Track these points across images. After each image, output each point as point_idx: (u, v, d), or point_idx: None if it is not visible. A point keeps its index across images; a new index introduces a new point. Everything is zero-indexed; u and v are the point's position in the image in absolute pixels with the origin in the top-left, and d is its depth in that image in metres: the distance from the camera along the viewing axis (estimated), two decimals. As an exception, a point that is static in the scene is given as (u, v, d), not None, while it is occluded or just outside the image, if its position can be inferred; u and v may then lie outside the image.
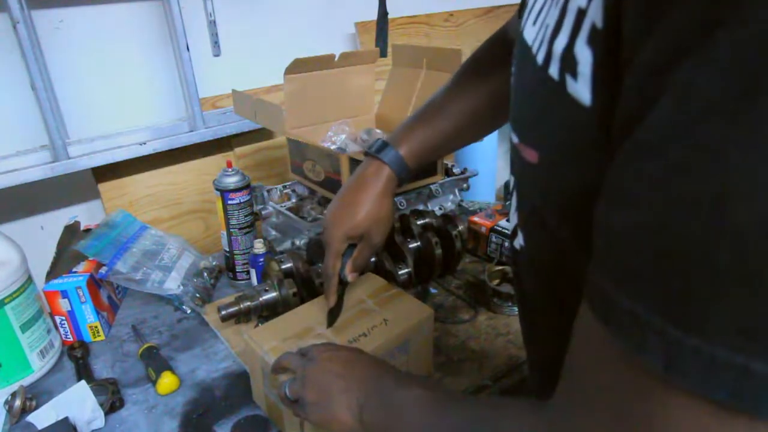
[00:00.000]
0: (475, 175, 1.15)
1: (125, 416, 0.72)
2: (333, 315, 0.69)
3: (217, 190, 0.95)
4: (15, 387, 0.74)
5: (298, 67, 1.00)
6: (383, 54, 1.39)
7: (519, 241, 0.41)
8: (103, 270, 0.88)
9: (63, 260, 0.92)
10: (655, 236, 0.21)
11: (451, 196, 1.13)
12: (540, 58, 0.31)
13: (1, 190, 1.11)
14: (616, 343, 0.23)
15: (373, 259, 0.86)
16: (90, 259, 0.90)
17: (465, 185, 1.14)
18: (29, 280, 0.79)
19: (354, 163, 0.93)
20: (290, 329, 0.68)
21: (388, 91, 1.20)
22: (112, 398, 0.72)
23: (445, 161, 1.13)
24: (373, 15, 1.48)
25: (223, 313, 0.79)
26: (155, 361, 0.79)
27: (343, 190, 0.68)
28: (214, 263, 1.04)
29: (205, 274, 1.00)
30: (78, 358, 0.81)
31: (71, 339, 0.86)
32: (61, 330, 0.85)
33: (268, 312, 0.82)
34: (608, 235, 0.23)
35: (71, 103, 1.20)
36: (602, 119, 0.26)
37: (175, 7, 1.20)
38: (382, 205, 0.66)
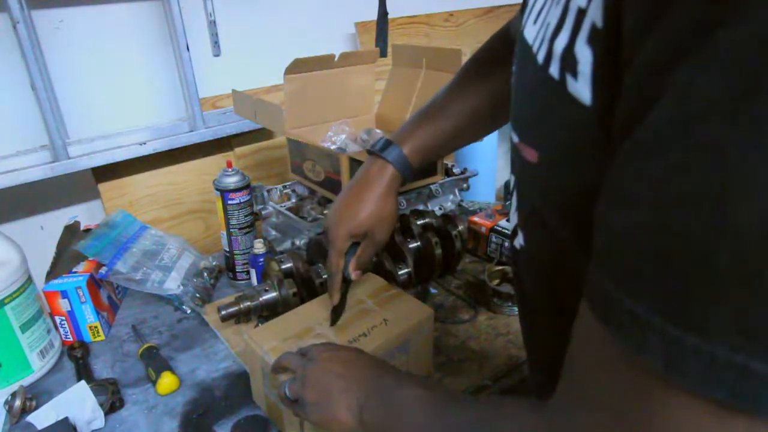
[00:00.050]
0: (475, 175, 1.15)
1: (125, 416, 0.72)
2: (336, 313, 0.70)
3: (217, 190, 0.95)
4: (15, 387, 0.74)
5: (298, 67, 1.00)
6: (383, 54, 1.39)
7: (519, 241, 0.41)
8: (103, 270, 0.88)
9: (63, 260, 0.92)
10: (655, 236, 0.21)
11: (451, 196, 1.13)
12: (540, 58, 0.31)
13: (1, 190, 1.11)
14: (616, 342, 0.23)
15: (373, 259, 0.86)
16: (90, 259, 0.90)
17: (465, 185, 1.14)
18: (29, 280, 0.79)
19: (354, 162, 0.93)
20: (290, 329, 0.68)
21: (388, 91, 1.20)
22: (112, 398, 0.72)
23: (445, 161, 1.13)
24: (373, 15, 1.48)
25: (223, 313, 0.79)
26: (155, 361, 0.79)
27: (347, 188, 0.68)
28: (214, 263, 1.04)
29: (205, 274, 1.00)
30: (78, 358, 0.81)
31: (71, 339, 0.86)
32: (61, 330, 0.85)
33: (268, 312, 0.82)
34: (608, 234, 0.23)
35: (71, 103, 1.20)
36: (602, 119, 0.26)
37: (175, 7, 1.20)
38: (386, 203, 0.66)
